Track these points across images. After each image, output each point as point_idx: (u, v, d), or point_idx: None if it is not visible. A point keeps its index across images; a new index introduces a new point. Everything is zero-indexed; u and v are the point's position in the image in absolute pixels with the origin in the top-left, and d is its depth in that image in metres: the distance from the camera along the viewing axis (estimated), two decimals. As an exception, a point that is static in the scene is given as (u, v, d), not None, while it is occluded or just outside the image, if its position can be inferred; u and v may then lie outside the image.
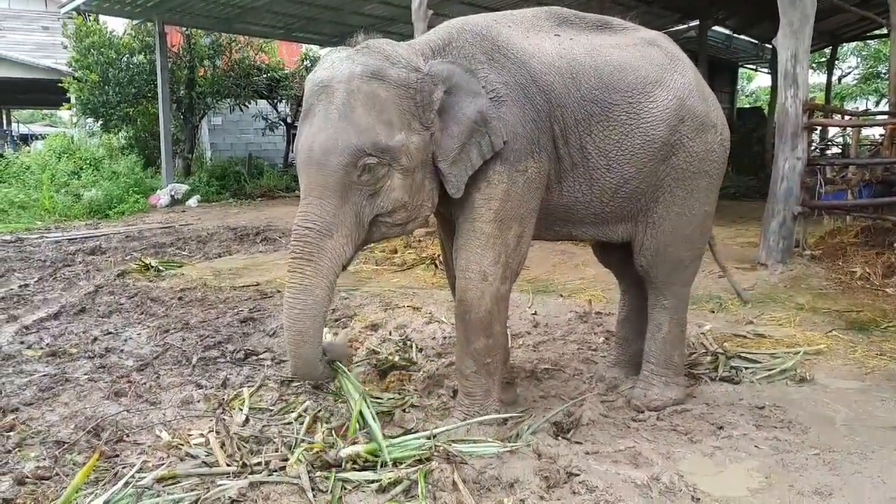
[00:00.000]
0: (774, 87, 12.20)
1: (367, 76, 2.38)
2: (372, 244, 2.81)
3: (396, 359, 3.52)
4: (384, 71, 2.41)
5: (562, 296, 5.16)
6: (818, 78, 21.84)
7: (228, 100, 15.19)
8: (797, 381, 3.36)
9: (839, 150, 12.96)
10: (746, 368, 3.49)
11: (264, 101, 16.28)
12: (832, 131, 10.05)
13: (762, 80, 26.24)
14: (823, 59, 19.06)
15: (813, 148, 6.56)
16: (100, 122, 14.20)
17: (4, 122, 24.80)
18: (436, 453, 2.44)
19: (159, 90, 12.77)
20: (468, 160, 2.55)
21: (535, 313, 4.63)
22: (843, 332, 4.17)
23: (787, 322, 4.40)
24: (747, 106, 23.84)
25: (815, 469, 2.51)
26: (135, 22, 13.85)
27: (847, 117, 8.82)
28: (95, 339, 4.18)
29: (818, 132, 9.44)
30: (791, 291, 5.20)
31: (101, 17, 13.98)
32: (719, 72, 17.36)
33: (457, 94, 2.52)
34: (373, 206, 2.45)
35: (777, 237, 5.83)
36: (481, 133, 2.53)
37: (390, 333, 4.14)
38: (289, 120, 16.39)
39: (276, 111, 16.55)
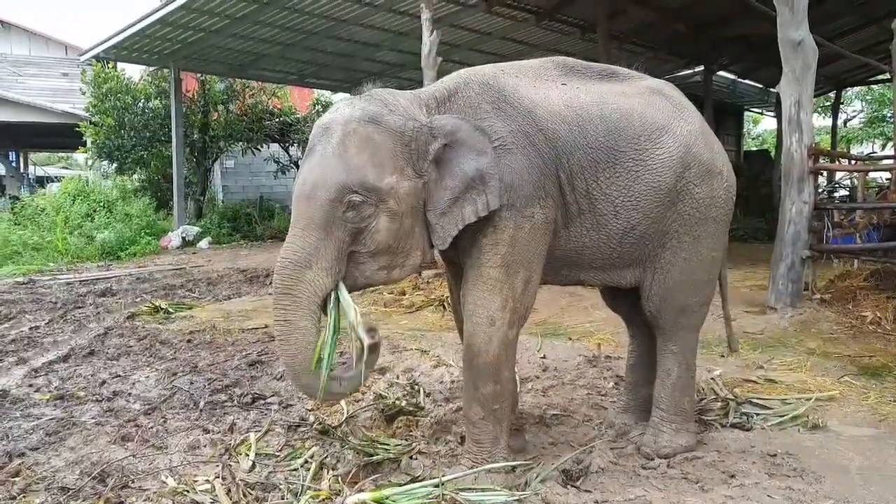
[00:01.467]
0: (780, 131, 12.33)
1: (365, 120, 2.48)
2: (371, 288, 2.81)
3: (404, 404, 3.50)
4: (381, 117, 2.50)
5: (571, 339, 5.14)
6: (824, 121, 22.03)
7: (241, 143, 15.48)
8: (809, 428, 3.31)
9: (846, 193, 12.97)
10: (757, 415, 3.44)
11: (276, 145, 16.58)
12: (839, 174, 10.09)
13: (768, 122, 26.47)
14: (828, 104, 19.26)
15: (820, 191, 6.59)
16: (114, 165, 14.47)
17: (21, 164, 25.24)
18: (443, 502, 2.41)
19: (173, 134, 13.04)
20: (459, 215, 2.57)
21: (543, 357, 4.60)
22: (855, 377, 4.12)
23: (798, 367, 4.35)
24: (754, 149, 23.99)
25: (830, 520, 2.46)
26: (151, 68, 14.23)
27: (853, 161, 8.87)
28: (104, 382, 4.19)
29: (825, 175, 9.48)
30: (801, 336, 5.15)
31: (119, 64, 14.37)
32: (725, 115, 17.55)
33: (458, 149, 2.57)
34: (357, 245, 2.48)
35: (786, 281, 5.81)
36: (478, 191, 2.55)
37: (398, 377, 4.12)
38: (300, 163, 16.62)
39: (288, 154, 16.82)
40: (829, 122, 19.55)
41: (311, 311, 2.42)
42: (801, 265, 5.80)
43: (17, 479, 2.82)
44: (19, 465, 2.96)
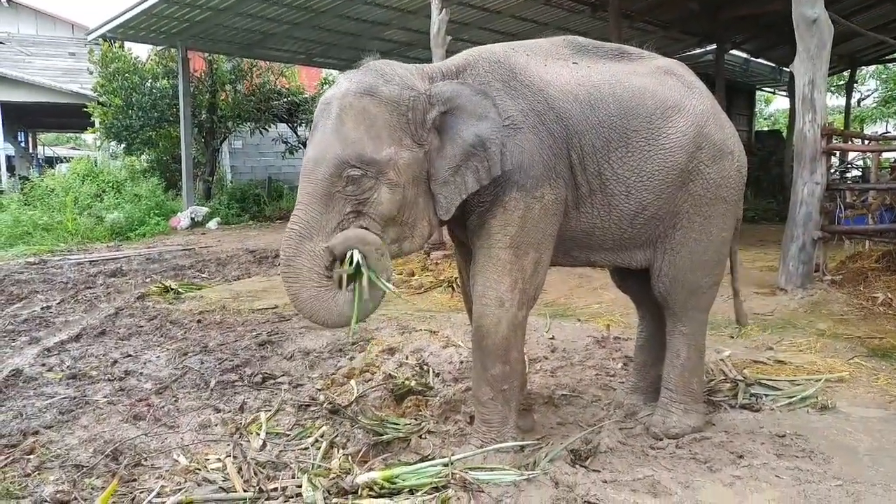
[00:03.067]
0: (793, 110, 12.17)
1: (360, 93, 2.48)
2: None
3: (413, 384, 3.52)
4: (376, 88, 2.49)
5: (580, 320, 5.14)
6: (837, 100, 21.74)
7: (249, 123, 15.45)
8: (819, 409, 3.30)
9: (859, 174, 12.83)
10: (766, 396, 3.44)
11: (284, 125, 16.54)
12: (852, 154, 9.98)
13: (781, 102, 26.15)
14: (842, 82, 18.99)
15: (833, 171, 6.51)
16: (123, 146, 14.48)
17: (30, 145, 25.31)
18: (452, 481, 2.43)
19: (181, 114, 13.02)
20: (462, 183, 2.56)
21: (552, 338, 4.61)
22: (866, 358, 4.11)
23: (808, 348, 4.34)
24: (766, 129, 23.74)
25: (838, 500, 2.45)
26: (159, 48, 14.18)
27: (867, 142, 8.76)
28: (115, 361, 4.23)
29: (837, 156, 9.37)
30: (811, 317, 5.13)
31: (126, 44, 14.33)
32: (737, 95, 17.33)
33: (458, 115, 2.55)
34: (361, 219, 2.49)
35: (797, 262, 5.77)
36: (479, 158, 2.54)
37: (407, 358, 4.14)
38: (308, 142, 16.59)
39: (296, 134, 16.78)
40: (842, 101, 19.28)
41: (311, 277, 2.47)
42: (812, 246, 5.76)
43: (31, 456, 2.87)
44: (34, 442, 3.00)
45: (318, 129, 2.53)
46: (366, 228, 2.49)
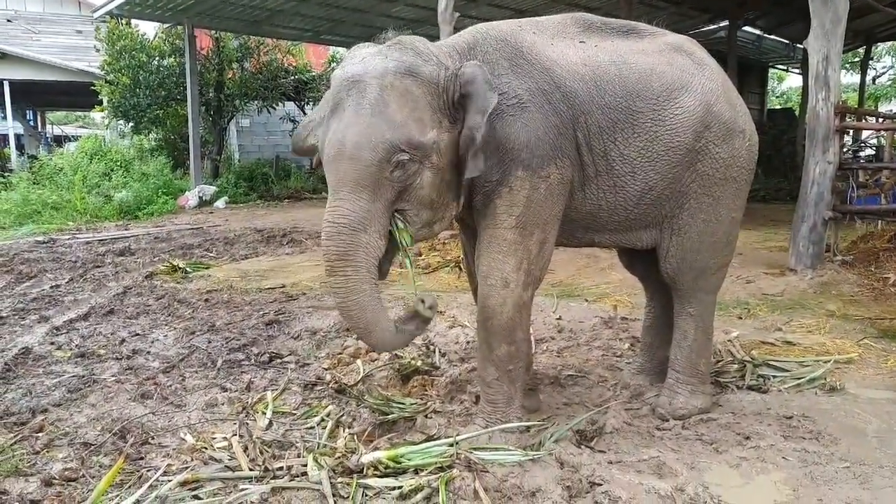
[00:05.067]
0: (806, 88, 11.94)
1: (401, 72, 2.36)
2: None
3: (419, 363, 3.52)
4: (417, 68, 2.39)
5: (587, 300, 5.12)
6: (851, 78, 21.41)
7: (256, 102, 15.38)
8: (827, 391, 3.28)
9: (873, 153, 12.66)
10: (774, 377, 3.42)
11: (292, 103, 16.46)
12: (865, 133, 9.83)
13: (793, 80, 25.77)
14: (857, 59, 18.68)
15: (845, 150, 6.41)
16: (130, 124, 14.46)
17: (39, 123, 25.34)
18: (457, 461, 2.43)
19: (188, 92, 12.97)
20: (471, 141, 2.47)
21: (559, 318, 4.59)
22: (876, 340, 4.07)
23: (817, 329, 4.30)
24: (778, 107, 23.44)
25: (845, 482, 2.44)
26: (165, 25, 14.09)
27: (881, 120, 8.62)
28: (123, 340, 4.25)
29: (851, 134, 9.23)
30: (821, 298, 5.09)
31: (133, 21, 14.24)
32: (749, 73, 17.10)
33: (469, 101, 2.46)
34: (401, 203, 2.43)
35: (807, 242, 5.71)
36: (471, 148, 2.44)
37: (413, 338, 4.13)
38: (326, 119, 16.50)
39: (304, 113, 16.70)
40: (856, 78, 18.98)
41: (371, 274, 2.38)
42: (823, 226, 5.70)
43: (40, 434, 2.89)
44: (42, 420, 3.03)
45: (346, 108, 2.36)
46: (403, 215, 2.44)
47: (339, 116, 2.38)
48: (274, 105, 15.67)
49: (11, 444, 2.77)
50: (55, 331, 4.48)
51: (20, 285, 5.89)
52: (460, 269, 6.08)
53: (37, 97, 21.28)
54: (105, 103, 14.50)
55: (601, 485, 2.36)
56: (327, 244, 2.35)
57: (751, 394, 3.25)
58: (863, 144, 12.61)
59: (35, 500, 2.35)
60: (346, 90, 2.38)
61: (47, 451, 2.75)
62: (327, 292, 5.42)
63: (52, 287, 5.79)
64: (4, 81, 16.57)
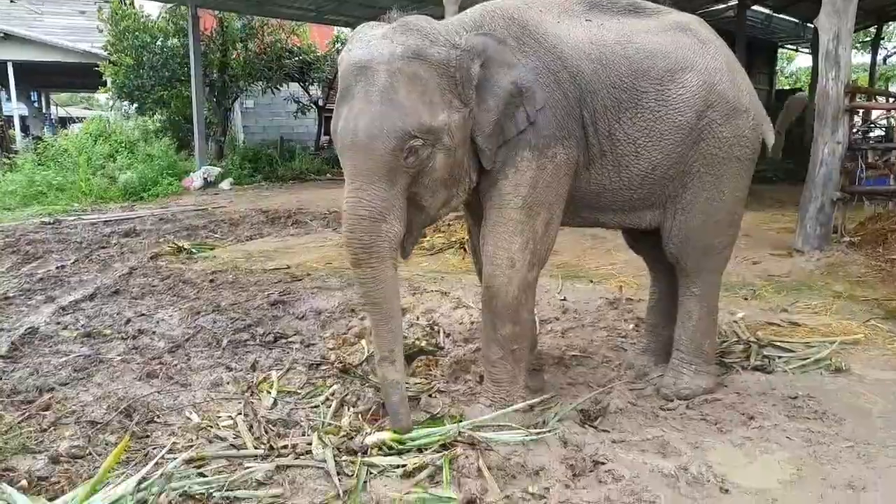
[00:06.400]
0: (815, 68, 11.82)
1: (409, 56, 2.33)
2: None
3: (423, 344, 3.52)
4: (425, 50, 2.36)
5: (592, 281, 5.11)
6: (862, 58, 21.13)
7: (260, 83, 15.30)
8: (832, 372, 3.27)
9: (882, 133, 12.53)
10: (779, 358, 3.41)
11: (296, 84, 16.36)
12: (875, 113, 9.70)
13: (803, 60, 25.47)
14: (868, 39, 18.42)
15: (855, 131, 6.34)
16: (135, 106, 14.43)
17: (43, 105, 25.30)
18: (461, 440, 2.44)
19: (192, 73, 12.91)
20: (501, 132, 2.53)
21: (564, 299, 4.59)
22: (882, 321, 4.05)
23: (823, 310, 4.29)
24: (787, 87, 23.20)
25: (849, 462, 2.44)
26: (169, 6, 14.01)
27: (891, 100, 8.52)
28: (129, 320, 4.27)
29: (860, 115, 9.13)
30: (828, 279, 5.06)
31: (136, 1, 14.17)
32: (758, 53, 16.90)
33: (491, 66, 2.48)
34: (416, 187, 2.43)
35: (814, 223, 5.68)
36: (516, 104, 2.50)
37: (418, 318, 4.14)
38: (320, 103, 16.45)
39: (308, 94, 16.63)
40: (867, 58, 18.74)
41: (393, 262, 2.43)
42: (830, 207, 5.66)
43: (47, 412, 2.91)
44: (49, 399, 3.04)
45: (355, 95, 2.34)
46: (418, 197, 2.45)
47: (350, 104, 2.36)
48: (278, 86, 15.60)
49: (19, 423, 2.79)
50: (61, 311, 4.50)
51: (26, 266, 5.91)
52: (465, 250, 6.07)
53: (41, 78, 21.22)
54: (109, 84, 14.45)
55: (604, 464, 2.36)
56: (350, 237, 2.36)
57: (755, 374, 3.24)
58: (872, 125, 12.48)
59: (42, 477, 2.36)
60: (355, 76, 2.36)
61: (54, 429, 2.76)
62: (332, 274, 5.43)
63: (57, 268, 5.81)
64: (8, 63, 16.53)
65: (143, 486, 2.09)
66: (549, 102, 2.56)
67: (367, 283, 2.38)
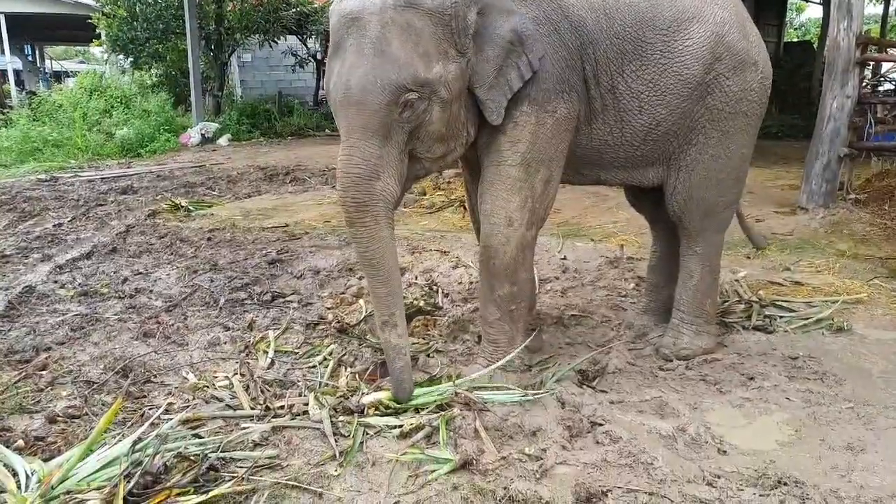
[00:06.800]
0: (826, 19, 11.49)
1: (401, 6, 2.23)
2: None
3: (422, 304, 3.49)
4: None
5: (593, 240, 5.06)
6: (875, 9, 20.60)
7: (258, 36, 14.95)
8: (834, 332, 3.24)
9: (893, 87, 12.27)
10: (781, 317, 3.38)
11: (294, 37, 15.99)
12: (885, 66, 9.44)
13: (813, 10, 24.87)
14: (881, -11, 17.91)
15: (864, 84, 6.17)
16: (129, 59, 14.15)
17: (38, 59, 24.89)
18: (458, 400, 2.42)
19: (187, 26, 12.61)
20: (506, 83, 2.43)
21: (564, 258, 4.54)
22: (886, 280, 4.01)
23: (827, 269, 4.24)
24: (795, 40, 22.69)
25: (848, 423, 2.43)
26: (162, -46, 13.60)
27: (903, 51, 8.30)
28: (126, 279, 4.24)
29: (870, 68, 8.90)
30: (832, 237, 5.01)
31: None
32: (766, 3, 16.44)
33: (489, 13, 2.38)
34: (412, 142, 2.36)
35: (820, 180, 5.59)
36: (517, 53, 2.40)
37: (416, 278, 4.10)
38: (318, 56, 16.12)
39: (306, 47, 16.28)
40: (879, 9, 18.26)
41: (389, 221, 2.35)
42: (837, 163, 5.57)
43: (44, 372, 2.90)
44: (46, 358, 3.03)
45: (347, 48, 2.24)
46: (415, 152, 2.37)
47: (342, 58, 2.27)
48: (276, 39, 15.23)
49: (15, 382, 2.79)
50: (58, 269, 4.47)
51: (23, 224, 5.86)
52: (465, 208, 5.99)
53: (34, 31, 20.83)
54: (103, 37, 14.15)
55: (602, 424, 2.35)
56: (344, 195, 2.29)
57: (756, 334, 3.22)
58: (882, 79, 12.21)
59: (39, 437, 2.36)
60: (346, 29, 2.26)
61: (51, 389, 2.76)
62: (331, 232, 5.38)
63: (54, 226, 5.76)
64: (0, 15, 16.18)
65: (137, 447, 2.08)
66: (550, 53, 2.47)
67: (362, 242, 2.32)
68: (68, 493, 1.91)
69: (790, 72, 13.44)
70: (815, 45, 15.71)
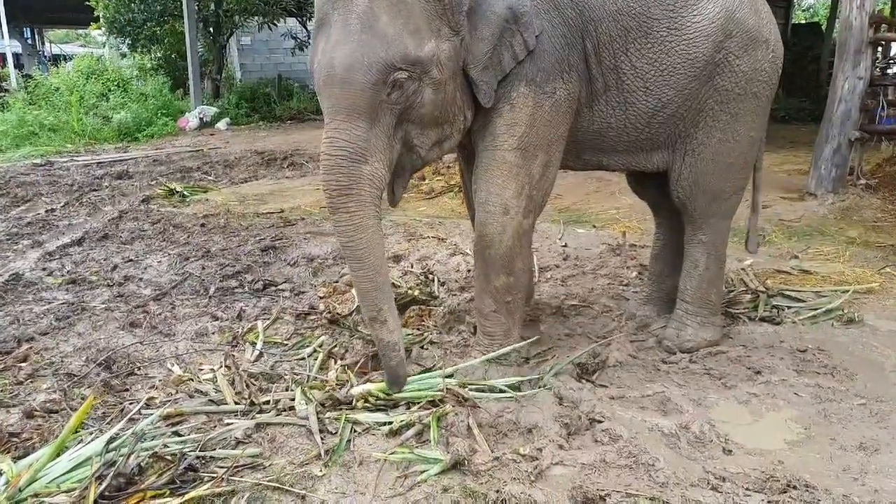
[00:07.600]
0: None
1: None
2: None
3: (417, 293, 3.38)
4: None
5: (595, 227, 4.93)
6: (884, -10, 20.23)
7: (257, 18, 14.71)
8: (844, 323, 3.12)
9: (903, 69, 12.03)
10: (789, 308, 3.26)
11: (294, 20, 15.76)
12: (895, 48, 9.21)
13: (821, -8, 24.46)
14: (892, -31, 17.56)
15: (875, 66, 6.00)
16: (127, 42, 13.96)
17: (37, 41, 24.68)
18: (450, 395, 2.31)
19: (185, 7, 12.41)
20: (499, 64, 2.31)
21: (565, 245, 4.42)
22: (898, 268, 3.88)
23: (836, 257, 4.11)
24: (803, 21, 22.33)
25: (861, 421, 2.32)
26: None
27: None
28: (116, 266, 4.14)
29: (881, 49, 8.70)
30: (841, 224, 4.87)
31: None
32: (775, -16, 16.15)
33: None
34: (404, 126, 2.23)
35: (829, 165, 5.44)
36: (512, 32, 2.27)
37: (412, 266, 3.99)
38: (312, 37, 15.88)
39: (306, 29, 16.02)
40: (889, -10, 17.92)
41: (376, 208, 2.18)
42: (847, 148, 5.41)
43: (24, 364, 2.81)
44: (28, 349, 2.94)
45: (333, 24, 2.10)
46: (407, 138, 2.24)
47: (326, 34, 2.13)
48: (275, 21, 14.97)
49: (-6, 375, 2.69)
50: (47, 256, 4.37)
51: (15, 209, 5.76)
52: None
53: (34, 14, 20.59)
54: (101, 20, 13.95)
55: (601, 422, 2.24)
56: (327, 178, 2.13)
57: (763, 325, 3.10)
58: (891, 61, 11.98)
59: (14, 433, 2.27)
60: (332, 3, 2.12)
61: (31, 382, 2.67)
62: (327, 218, 5.26)
63: (46, 211, 5.66)
64: (-4, -4, 15.99)
65: (112, 445, 1.98)
66: (548, 30, 2.33)
67: (346, 232, 2.16)
68: (36, 495, 1.82)
69: (798, 54, 13.18)
70: (823, 27, 15.42)
